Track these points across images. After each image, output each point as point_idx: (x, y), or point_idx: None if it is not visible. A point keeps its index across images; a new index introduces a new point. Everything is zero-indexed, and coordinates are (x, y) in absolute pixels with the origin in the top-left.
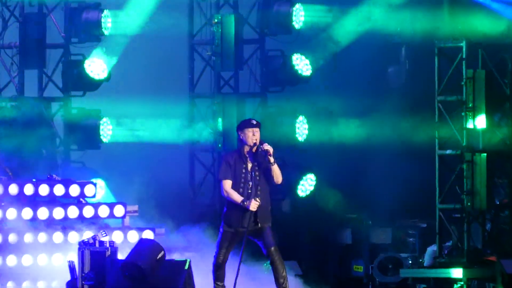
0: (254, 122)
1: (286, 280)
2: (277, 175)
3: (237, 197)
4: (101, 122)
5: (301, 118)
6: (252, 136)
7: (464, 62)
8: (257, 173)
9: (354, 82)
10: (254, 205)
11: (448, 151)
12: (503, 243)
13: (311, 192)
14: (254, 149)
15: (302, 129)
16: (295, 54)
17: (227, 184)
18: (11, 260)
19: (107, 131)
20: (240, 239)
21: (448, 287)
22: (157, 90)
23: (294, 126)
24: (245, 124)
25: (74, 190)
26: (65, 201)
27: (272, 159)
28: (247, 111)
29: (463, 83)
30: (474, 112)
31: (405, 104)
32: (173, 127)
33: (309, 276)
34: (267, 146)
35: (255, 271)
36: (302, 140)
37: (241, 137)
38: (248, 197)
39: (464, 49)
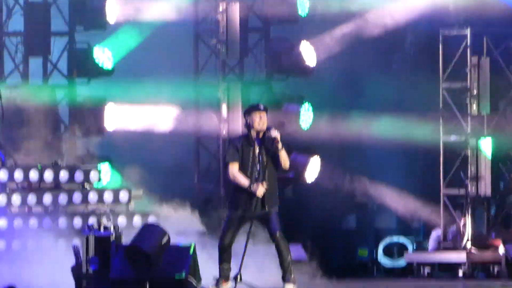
0: (262, 107)
1: (290, 264)
2: (285, 160)
3: (244, 181)
4: (106, 108)
5: (306, 105)
6: (259, 120)
7: (468, 49)
8: (264, 158)
9: (358, 69)
10: (261, 190)
11: (453, 137)
12: (508, 228)
13: (316, 176)
14: (261, 135)
15: (307, 117)
16: (303, 42)
17: (234, 167)
18: (16, 245)
19: (112, 118)
20: (247, 222)
21: (452, 271)
22: (162, 77)
23: (299, 113)
24: (252, 109)
25: (79, 176)
26: (70, 187)
27: (279, 145)
28: (252, 98)
29: (467, 70)
30: (479, 99)
31: (409, 90)
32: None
33: (314, 260)
34: (274, 132)
35: (261, 255)
36: (307, 128)
37: (248, 122)
38: (255, 181)
39: (468, 37)
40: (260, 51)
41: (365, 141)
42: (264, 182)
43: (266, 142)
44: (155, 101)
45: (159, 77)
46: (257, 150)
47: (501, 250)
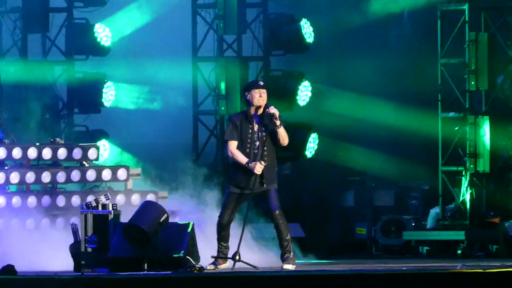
0: (261, 83)
1: (290, 243)
2: (283, 137)
3: (242, 158)
4: (104, 86)
5: (306, 83)
6: (259, 97)
7: (467, 25)
8: (263, 134)
9: (355, 46)
10: (259, 168)
11: (451, 114)
12: (506, 205)
13: (315, 151)
14: (260, 111)
15: (304, 95)
16: (303, 19)
17: (233, 144)
18: (14, 224)
19: (110, 96)
20: (245, 200)
21: (451, 249)
22: (160, 53)
23: (297, 91)
24: (252, 85)
25: (77, 153)
26: (68, 164)
27: (278, 122)
28: (250, 74)
29: (466, 46)
30: (477, 75)
31: (408, 67)
32: (176, 91)
33: (312, 238)
34: (273, 109)
35: (260, 233)
36: (304, 105)
37: (247, 98)
38: (254, 159)
39: (466, 12)
40: (258, 27)
41: (362, 118)
42: (262, 160)
43: (265, 118)
44: (152, 77)
45: (157, 53)
46: (256, 127)
47: (500, 228)
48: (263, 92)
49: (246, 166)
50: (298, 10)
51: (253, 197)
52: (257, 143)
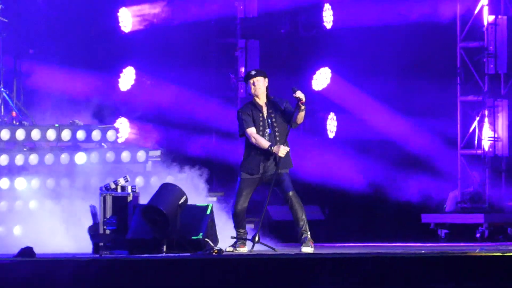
0: (253, 73)
1: (305, 223)
2: (300, 118)
3: (264, 143)
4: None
5: (326, 69)
6: (254, 86)
7: (486, 8)
8: (274, 119)
9: (374, 28)
10: (283, 150)
11: (470, 97)
12: None
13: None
14: (264, 98)
15: (322, 79)
16: (326, 4)
17: (253, 131)
18: (33, 205)
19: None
20: (258, 185)
21: (469, 232)
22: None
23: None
24: (245, 77)
25: (96, 135)
26: (87, 146)
27: (302, 107)
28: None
29: (484, 29)
30: (496, 58)
31: (426, 50)
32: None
33: (331, 220)
34: (300, 94)
35: (278, 217)
36: (319, 89)
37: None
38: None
39: None
40: None
41: (381, 103)
42: (285, 144)
43: (276, 102)
44: (174, 62)
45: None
46: (265, 114)
47: None
48: (256, 80)
49: (269, 150)
50: None
51: (266, 181)
52: (268, 129)
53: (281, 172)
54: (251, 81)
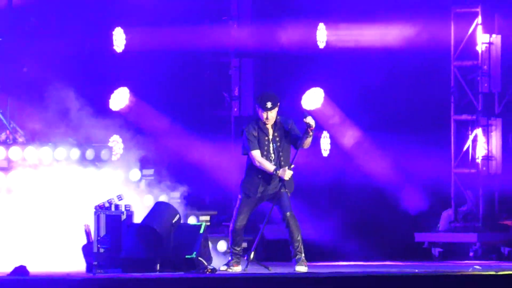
0: (269, 106)
1: (301, 244)
2: (307, 144)
3: (269, 166)
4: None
5: (318, 89)
6: (266, 119)
7: (480, 26)
8: (278, 143)
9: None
10: (288, 174)
11: (464, 116)
12: None
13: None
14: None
15: (314, 99)
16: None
17: (258, 154)
18: (27, 222)
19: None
20: (258, 204)
21: (463, 251)
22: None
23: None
24: (260, 105)
25: (90, 154)
26: (81, 164)
27: (311, 133)
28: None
29: (479, 48)
30: (490, 77)
31: (420, 68)
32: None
33: (325, 240)
34: (310, 120)
35: (272, 236)
36: (312, 108)
37: (257, 111)
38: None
39: (480, 14)
40: None
41: (377, 118)
42: (290, 167)
43: (282, 125)
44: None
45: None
46: (271, 137)
47: None
48: (270, 113)
49: (274, 173)
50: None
51: (267, 200)
52: (273, 154)
53: (282, 192)
54: (265, 113)
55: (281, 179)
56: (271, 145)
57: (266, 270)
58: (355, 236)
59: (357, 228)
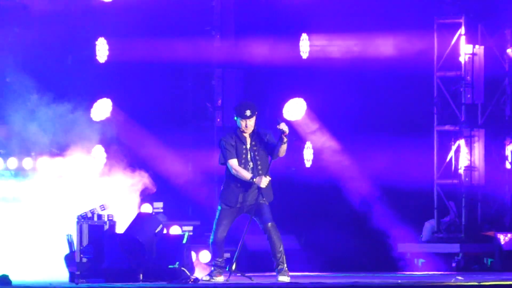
0: (248, 114)
1: (283, 255)
2: (283, 151)
3: (246, 174)
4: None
5: (300, 99)
6: (245, 127)
7: (463, 37)
8: (256, 153)
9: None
10: (265, 181)
11: (447, 126)
12: (501, 219)
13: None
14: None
15: (296, 110)
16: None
17: (235, 162)
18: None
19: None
20: (238, 215)
21: (446, 261)
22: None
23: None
24: (238, 113)
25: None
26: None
27: (285, 139)
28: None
29: (462, 58)
30: (473, 88)
31: (403, 79)
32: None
33: (308, 250)
34: (284, 126)
35: (254, 248)
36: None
37: (236, 120)
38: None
39: (463, 25)
40: None
41: (360, 126)
42: (267, 175)
43: (260, 135)
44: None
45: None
46: (248, 146)
47: (495, 241)
48: (249, 122)
49: (251, 181)
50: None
51: (246, 211)
52: (251, 163)
53: (262, 203)
54: (244, 121)
55: (259, 188)
56: (249, 153)
57: (249, 280)
58: (340, 247)
59: (339, 239)
